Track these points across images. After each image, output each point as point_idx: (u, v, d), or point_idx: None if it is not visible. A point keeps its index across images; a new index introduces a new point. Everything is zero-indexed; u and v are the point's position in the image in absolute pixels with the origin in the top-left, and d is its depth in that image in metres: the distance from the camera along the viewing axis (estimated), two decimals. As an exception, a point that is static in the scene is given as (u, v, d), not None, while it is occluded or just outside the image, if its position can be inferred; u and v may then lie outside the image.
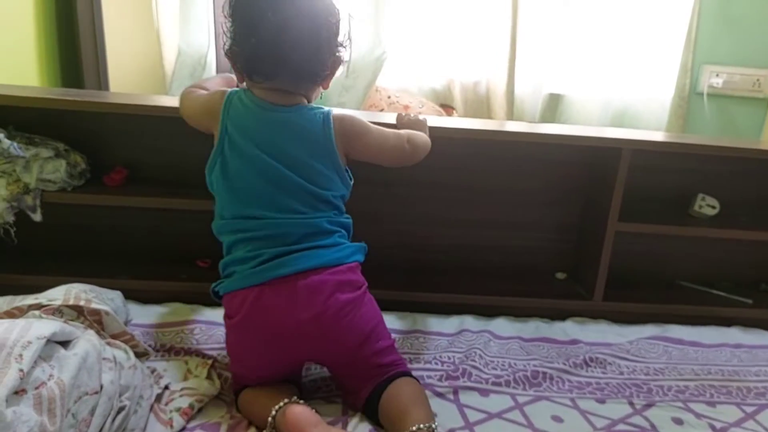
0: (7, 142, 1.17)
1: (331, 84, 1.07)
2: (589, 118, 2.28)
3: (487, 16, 2.12)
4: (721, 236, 1.44)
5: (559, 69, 2.24)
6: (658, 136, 1.46)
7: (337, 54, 1.00)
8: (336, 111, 1.03)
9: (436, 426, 0.89)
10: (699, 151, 1.40)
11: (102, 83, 1.83)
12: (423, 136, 1.13)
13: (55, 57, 1.68)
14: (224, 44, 0.99)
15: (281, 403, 0.87)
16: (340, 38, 1.00)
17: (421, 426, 0.86)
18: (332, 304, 0.92)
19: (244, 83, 1.02)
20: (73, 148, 1.28)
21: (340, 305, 0.92)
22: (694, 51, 2.25)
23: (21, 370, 0.65)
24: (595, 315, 1.40)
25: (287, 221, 0.95)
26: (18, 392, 0.64)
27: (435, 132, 1.20)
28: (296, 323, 0.90)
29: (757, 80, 2.32)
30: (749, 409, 1.10)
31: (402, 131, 1.10)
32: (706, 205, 1.46)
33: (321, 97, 1.09)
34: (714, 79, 2.32)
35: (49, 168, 1.22)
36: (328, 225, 0.97)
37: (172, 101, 1.26)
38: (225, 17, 0.97)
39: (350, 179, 1.05)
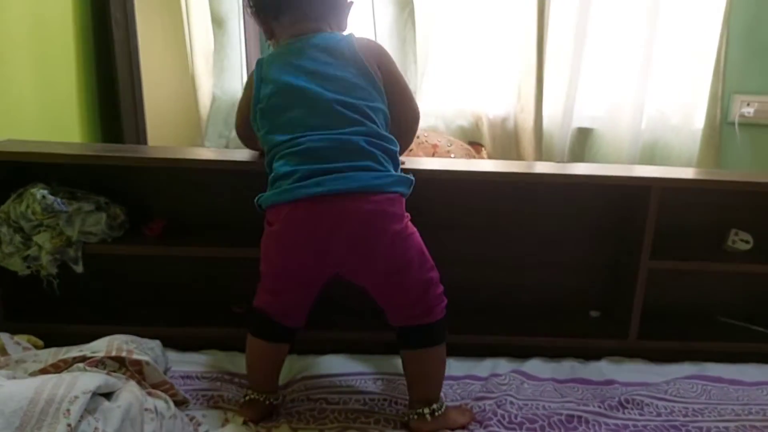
0: (51, 198, 1.24)
1: None
2: (619, 151, 2.27)
3: (512, 51, 2.15)
4: (756, 271, 1.41)
5: (587, 103, 2.25)
6: (687, 173, 1.46)
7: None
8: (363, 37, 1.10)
9: (436, 408, 1.04)
10: (727, 188, 1.38)
11: (140, 135, 1.92)
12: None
13: (95, 113, 1.76)
14: (250, 10, 1.10)
15: (252, 395, 1.06)
16: None
17: (414, 416, 1.03)
18: (367, 234, 0.95)
19: (272, 41, 1.12)
20: (112, 200, 1.34)
21: (374, 236, 0.95)
22: (723, 80, 2.24)
23: (69, 425, 0.68)
24: (630, 354, 1.38)
25: (320, 137, 0.96)
26: (66, 447, 0.67)
27: (461, 175, 1.22)
28: (323, 247, 0.95)
29: (790, 108, 2.29)
30: (797, 453, 1.07)
31: None
32: (740, 240, 1.44)
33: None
34: (745, 108, 2.30)
35: (91, 221, 1.27)
36: (364, 144, 0.97)
37: (207, 153, 1.32)
38: None
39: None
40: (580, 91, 2.18)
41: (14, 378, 0.79)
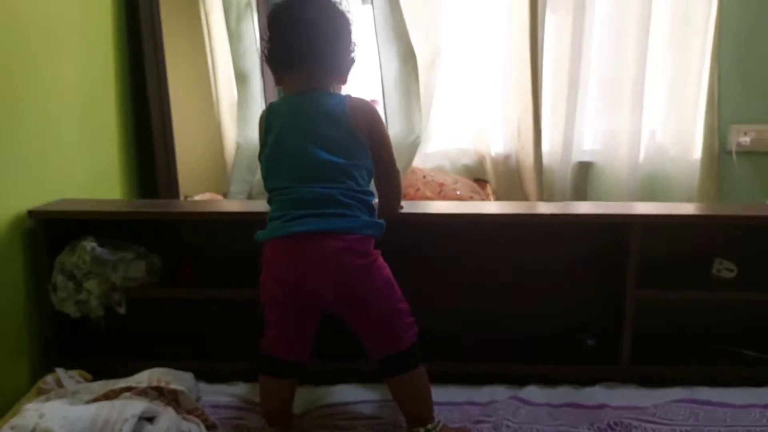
0: (99, 249, 1.42)
1: None
2: (619, 184, 2.36)
3: (510, 94, 2.28)
4: (738, 299, 1.51)
5: (585, 138, 2.37)
6: (665, 208, 1.57)
7: (352, 53, 1.23)
8: (358, 97, 1.24)
9: (431, 427, 1.16)
10: (701, 222, 1.50)
11: (173, 184, 2.11)
12: (401, 188, 1.37)
13: (133, 168, 1.96)
14: (264, 52, 1.24)
15: (268, 429, 1.20)
16: (352, 42, 1.23)
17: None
18: (336, 265, 1.12)
19: (281, 86, 1.27)
20: (149, 249, 1.52)
21: (342, 267, 1.12)
22: (718, 111, 2.33)
23: (121, 444, 0.83)
24: (623, 379, 1.47)
25: (306, 190, 1.15)
26: (119, 462, 0.82)
27: (455, 218, 1.36)
28: (296, 274, 1.13)
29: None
30: (773, 470, 1.15)
31: None
32: (724, 269, 1.54)
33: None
34: (742, 137, 2.38)
35: (132, 268, 1.45)
36: (342, 197, 1.14)
37: (231, 206, 1.49)
38: (264, 34, 1.26)
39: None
40: (577, 127, 2.30)
41: (74, 405, 0.96)
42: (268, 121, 1.23)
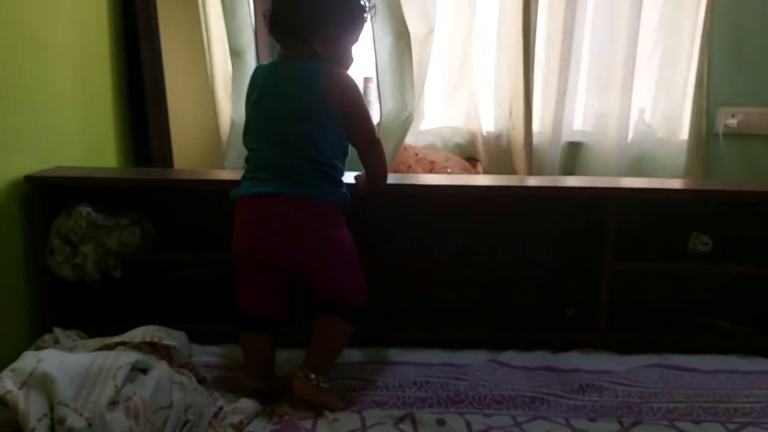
0: (95, 214, 1.47)
1: None
2: (608, 164, 2.40)
3: (502, 74, 2.32)
4: (712, 271, 1.57)
5: (575, 119, 2.41)
6: (641, 183, 1.62)
7: (324, 27, 1.22)
8: (338, 69, 1.25)
9: (322, 380, 1.21)
10: (676, 195, 1.55)
11: (167, 158, 2.15)
12: (385, 162, 1.37)
13: (128, 139, 2.01)
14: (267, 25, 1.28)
15: (254, 385, 1.27)
16: (326, 17, 1.22)
17: (300, 374, 1.20)
18: (294, 228, 1.20)
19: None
20: (144, 215, 1.57)
21: (300, 231, 1.20)
22: (707, 94, 2.37)
23: (116, 386, 0.89)
24: (599, 346, 1.54)
25: (276, 155, 1.22)
26: (113, 403, 0.88)
27: (438, 189, 1.41)
28: (260, 232, 1.21)
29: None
30: (732, 427, 1.21)
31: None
32: (700, 243, 1.60)
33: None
34: (730, 119, 2.42)
35: (127, 233, 1.50)
36: (306, 165, 1.21)
37: (224, 174, 1.54)
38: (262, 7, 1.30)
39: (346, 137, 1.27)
40: (567, 108, 2.33)
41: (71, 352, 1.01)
42: (253, 83, 1.29)
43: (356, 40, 1.31)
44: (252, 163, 1.26)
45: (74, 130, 1.70)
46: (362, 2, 1.28)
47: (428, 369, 1.39)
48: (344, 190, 1.29)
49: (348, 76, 1.28)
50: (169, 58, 2.13)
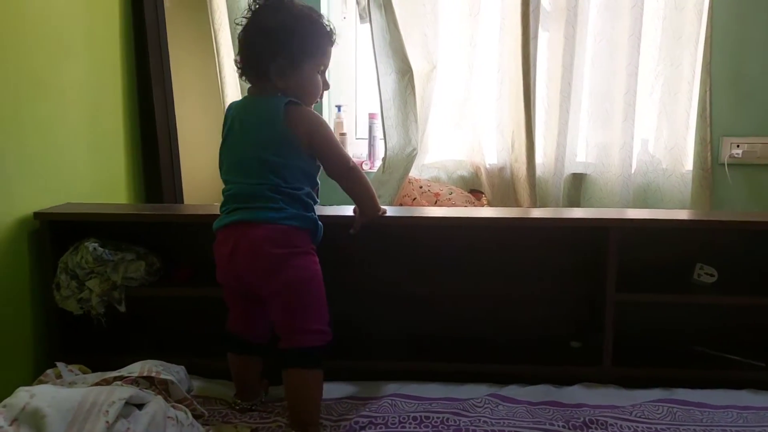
0: (100, 249, 1.50)
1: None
2: (612, 195, 2.41)
3: (503, 108, 2.35)
4: (718, 303, 1.55)
5: (578, 150, 2.42)
6: (645, 213, 1.62)
7: (273, 60, 1.24)
8: (301, 105, 1.27)
9: None
10: (679, 226, 1.54)
11: (177, 192, 2.19)
12: (368, 188, 1.38)
13: (139, 175, 2.05)
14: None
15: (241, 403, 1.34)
16: (274, 50, 1.24)
17: None
18: (255, 251, 1.22)
19: None
20: (150, 250, 1.59)
21: (260, 254, 1.22)
22: (711, 124, 2.38)
23: (107, 422, 0.89)
24: (604, 380, 1.52)
25: (242, 185, 1.26)
26: (105, 438, 0.88)
27: (442, 221, 1.42)
28: (230, 260, 1.25)
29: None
30: (741, 465, 1.18)
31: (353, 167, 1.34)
32: (705, 274, 1.58)
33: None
34: (735, 150, 2.42)
35: (132, 268, 1.52)
36: (268, 192, 1.23)
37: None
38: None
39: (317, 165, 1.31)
40: (569, 140, 2.35)
41: (68, 387, 1.02)
42: (225, 118, 1.33)
43: (319, 66, 1.31)
44: (225, 195, 1.30)
45: (86, 167, 1.75)
46: (313, 28, 1.28)
47: (429, 404, 1.38)
48: (312, 216, 1.29)
49: (307, 110, 1.29)
50: (181, 97, 2.19)
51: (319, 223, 1.31)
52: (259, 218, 1.23)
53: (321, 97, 1.35)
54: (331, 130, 1.34)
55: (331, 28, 1.31)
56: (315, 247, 1.31)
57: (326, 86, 1.34)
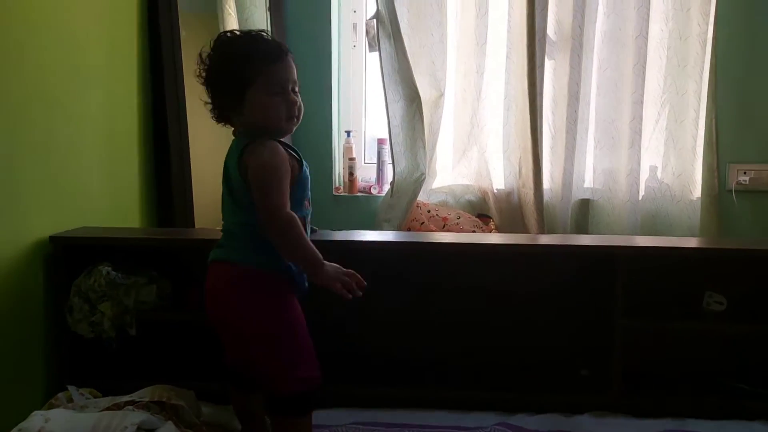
0: (113, 273, 1.52)
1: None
2: (620, 221, 2.42)
3: (510, 134, 2.38)
4: (727, 331, 1.54)
5: (585, 176, 2.44)
6: (653, 241, 1.63)
7: (227, 103, 1.21)
8: (258, 142, 1.19)
9: None
10: (684, 254, 1.55)
11: (188, 217, 2.21)
12: (296, 246, 1.18)
13: (152, 200, 2.08)
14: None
15: None
16: (225, 95, 1.21)
17: None
18: (213, 290, 1.24)
19: None
20: (161, 274, 1.61)
21: (215, 293, 1.23)
22: (717, 152, 2.40)
23: (120, 447, 0.90)
24: (614, 409, 1.51)
25: (223, 223, 1.28)
26: (117, 463, 0.89)
27: (450, 247, 1.43)
28: (207, 303, 1.26)
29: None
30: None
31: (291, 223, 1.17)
32: (714, 302, 1.58)
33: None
34: (742, 177, 2.43)
35: (144, 293, 1.54)
36: (236, 230, 1.25)
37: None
38: None
39: None
40: (576, 166, 2.37)
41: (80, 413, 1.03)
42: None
43: (269, 87, 1.19)
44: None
45: (100, 192, 1.78)
46: (237, 57, 1.21)
47: None
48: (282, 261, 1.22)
49: (258, 146, 1.19)
50: (194, 124, 2.23)
51: (293, 268, 1.22)
52: (222, 257, 1.24)
53: (297, 116, 1.23)
54: (277, 171, 1.17)
55: (268, 47, 1.22)
56: (292, 292, 1.25)
57: (292, 102, 1.21)
